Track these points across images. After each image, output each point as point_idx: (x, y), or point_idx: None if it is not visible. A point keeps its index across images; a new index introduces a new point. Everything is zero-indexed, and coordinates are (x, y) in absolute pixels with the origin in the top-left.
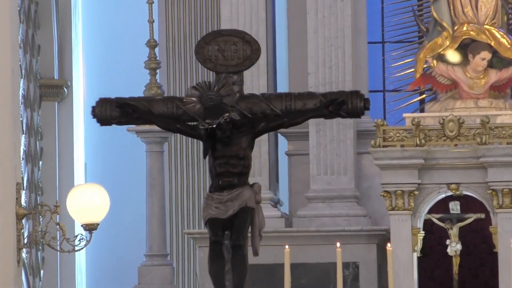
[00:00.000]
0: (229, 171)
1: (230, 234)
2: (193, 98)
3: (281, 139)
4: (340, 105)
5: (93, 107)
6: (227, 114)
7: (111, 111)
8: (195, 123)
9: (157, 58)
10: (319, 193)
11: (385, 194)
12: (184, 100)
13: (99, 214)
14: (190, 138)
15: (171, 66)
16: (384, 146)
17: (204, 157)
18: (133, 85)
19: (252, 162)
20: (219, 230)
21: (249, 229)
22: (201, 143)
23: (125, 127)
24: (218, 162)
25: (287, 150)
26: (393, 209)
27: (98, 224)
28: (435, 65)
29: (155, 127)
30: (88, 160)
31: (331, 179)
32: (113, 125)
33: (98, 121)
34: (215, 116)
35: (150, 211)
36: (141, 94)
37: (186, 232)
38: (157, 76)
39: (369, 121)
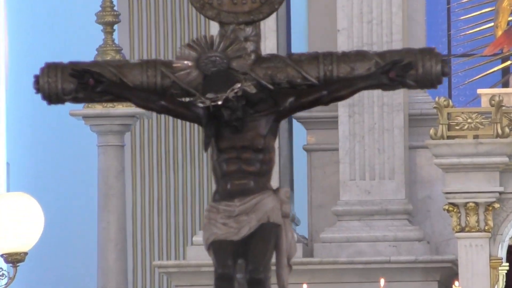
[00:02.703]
0: (242, 169)
1: (245, 263)
2: (187, 62)
3: (297, 127)
4: (406, 69)
5: (36, 77)
6: (238, 86)
7: (63, 83)
8: (190, 99)
9: (115, 8)
10: (353, 207)
11: (450, 208)
12: (174, 65)
13: (28, 238)
14: (164, 124)
15: (136, 19)
16: (449, 137)
17: (205, 149)
18: (80, 47)
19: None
20: (228, 258)
21: (273, 256)
22: (193, 130)
23: (66, 108)
24: (225, 157)
25: (305, 144)
26: (462, 230)
27: (26, 254)
28: None
29: (113, 110)
30: (12, 159)
31: (370, 185)
32: (67, 103)
33: (45, 97)
34: (220, 88)
35: (104, 234)
36: (91, 60)
37: (156, 265)
38: (115, 35)
39: (427, 100)
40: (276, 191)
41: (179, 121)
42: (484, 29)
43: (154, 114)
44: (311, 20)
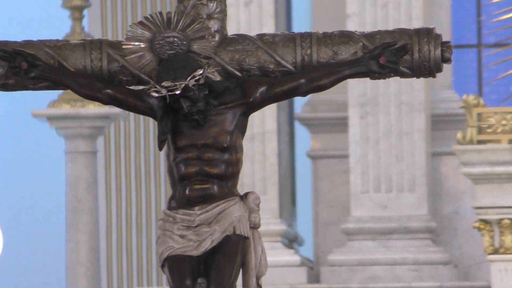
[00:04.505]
0: (204, 172)
1: (206, 284)
2: (139, 43)
3: (300, 130)
4: (399, 54)
5: None
6: (200, 72)
7: None
8: (142, 87)
9: None
10: (366, 224)
11: (482, 226)
12: (123, 47)
13: None
14: (143, 126)
15: (109, 3)
16: (480, 142)
17: (160, 148)
18: (43, 36)
19: (243, 157)
20: (186, 277)
21: (240, 274)
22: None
23: (27, 107)
24: (183, 157)
25: (310, 149)
26: (496, 251)
27: None
28: None
29: (83, 109)
30: None
31: (387, 199)
32: None
33: None
34: (179, 75)
35: (73, 256)
36: None
37: None
38: (85, 21)
39: (453, 99)
40: (244, 198)
41: None
42: None
43: (132, 114)
44: (316, 4)
